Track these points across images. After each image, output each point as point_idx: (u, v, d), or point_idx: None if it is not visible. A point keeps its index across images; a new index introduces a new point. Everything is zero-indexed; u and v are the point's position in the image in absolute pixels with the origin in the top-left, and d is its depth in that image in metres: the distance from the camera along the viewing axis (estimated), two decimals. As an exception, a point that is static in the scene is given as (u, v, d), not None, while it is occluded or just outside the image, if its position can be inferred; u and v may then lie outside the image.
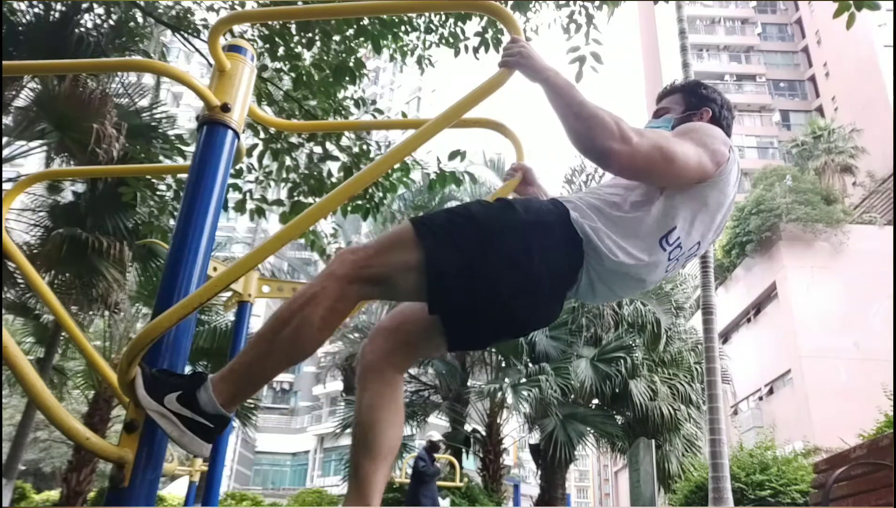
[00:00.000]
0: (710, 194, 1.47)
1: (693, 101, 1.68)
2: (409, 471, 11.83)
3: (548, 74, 1.42)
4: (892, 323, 14.99)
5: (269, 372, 1.26)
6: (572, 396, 12.42)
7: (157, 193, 6.22)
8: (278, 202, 5.51)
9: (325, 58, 5.68)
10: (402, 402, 1.46)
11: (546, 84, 1.42)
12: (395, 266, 1.29)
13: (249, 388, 1.28)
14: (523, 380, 11.87)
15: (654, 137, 1.41)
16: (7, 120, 6.95)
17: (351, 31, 5.48)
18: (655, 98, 1.81)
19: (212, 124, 1.51)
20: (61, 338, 9.07)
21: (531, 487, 23.64)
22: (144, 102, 7.77)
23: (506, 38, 1.52)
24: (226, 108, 1.51)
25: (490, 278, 1.29)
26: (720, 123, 1.65)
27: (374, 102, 6.00)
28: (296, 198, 5.56)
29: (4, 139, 6.93)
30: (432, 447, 8.22)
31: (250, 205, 5.48)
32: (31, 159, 7.92)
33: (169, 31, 6.09)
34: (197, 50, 5.84)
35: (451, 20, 5.79)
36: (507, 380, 11.88)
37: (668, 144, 1.41)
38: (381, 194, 5.62)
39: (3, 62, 1.41)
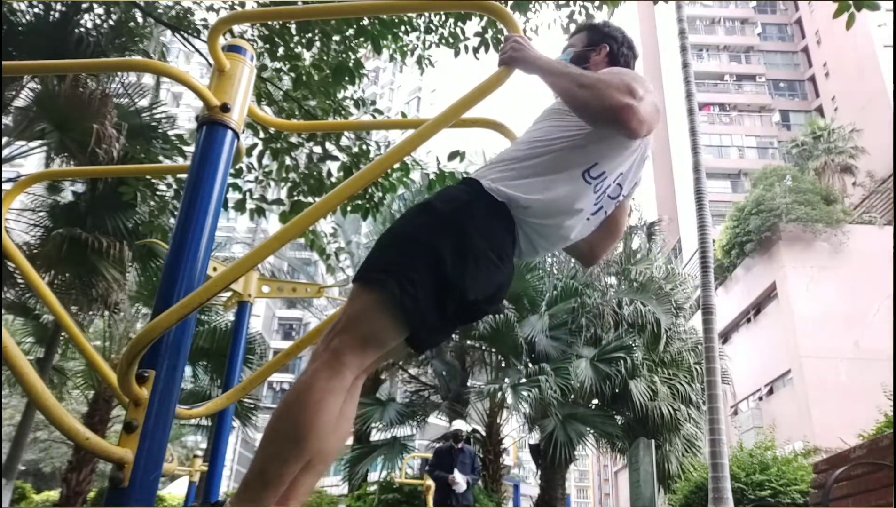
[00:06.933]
0: None
1: (594, 37, 1.71)
2: (410, 472, 11.86)
3: (541, 62, 1.44)
4: (892, 323, 15.00)
5: (284, 472, 1.21)
6: (572, 396, 12.41)
7: (157, 193, 6.23)
8: (278, 202, 5.52)
9: (325, 58, 5.68)
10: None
11: (541, 71, 1.45)
12: (368, 319, 1.29)
13: (270, 496, 1.21)
14: (523, 380, 11.85)
15: (640, 85, 1.40)
16: (7, 120, 6.95)
17: (351, 31, 5.49)
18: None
19: (211, 124, 1.51)
20: (61, 338, 9.08)
21: (531, 487, 23.63)
22: (144, 102, 7.77)
23: (506, 39, 1.52)
24: (225, 108, 1.51)
25: (448, 280, 1.30)
26: (618, 60, 1.68)
27: (373, 102, 6.00)
28: (295, 198, 5.56)
29: (4, 139, 6.93)
30: (455, 437, 6.97)
31: (250, 205, 5.49)
32: (31, 159, 7.93)
33: (169, 31, 6.09)
34: (197, 50, 5.85)
35: (451, 20, 5.79)
36: (507, 380, 11.87)
37: (648, 93, 1.40)
38: (380, 194, 5.62)
39: (3, 62, 1.41)
